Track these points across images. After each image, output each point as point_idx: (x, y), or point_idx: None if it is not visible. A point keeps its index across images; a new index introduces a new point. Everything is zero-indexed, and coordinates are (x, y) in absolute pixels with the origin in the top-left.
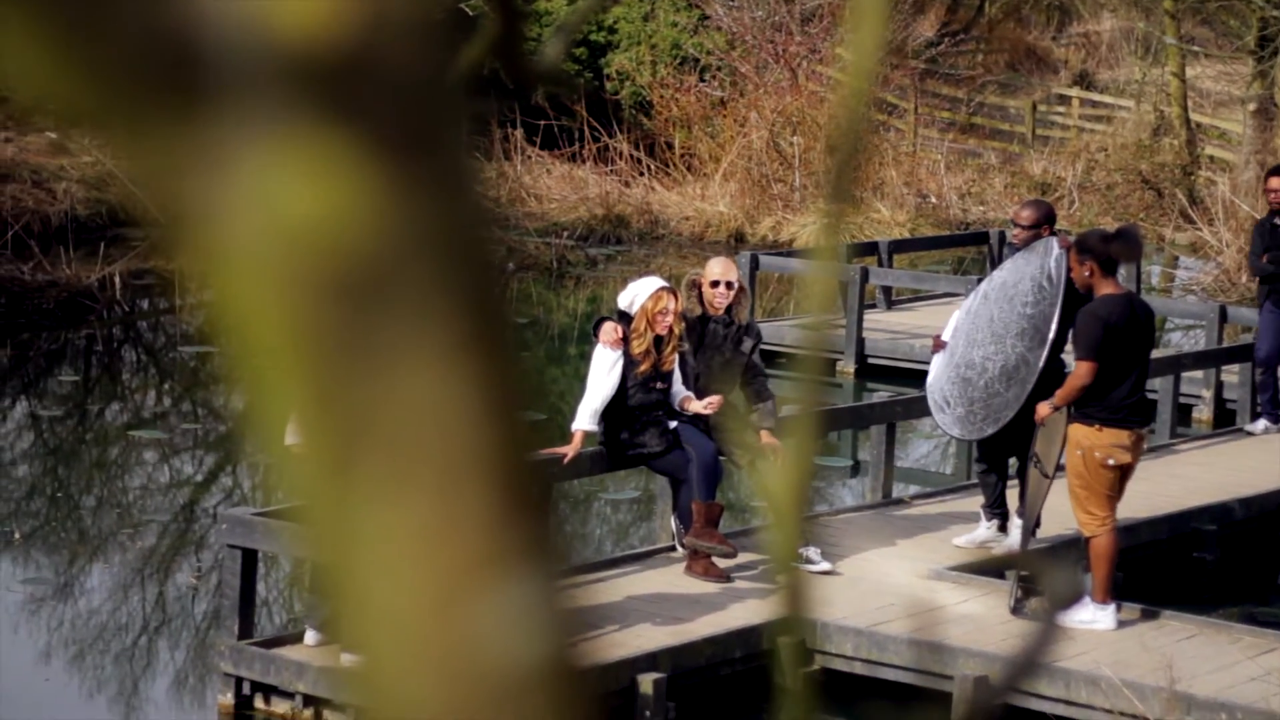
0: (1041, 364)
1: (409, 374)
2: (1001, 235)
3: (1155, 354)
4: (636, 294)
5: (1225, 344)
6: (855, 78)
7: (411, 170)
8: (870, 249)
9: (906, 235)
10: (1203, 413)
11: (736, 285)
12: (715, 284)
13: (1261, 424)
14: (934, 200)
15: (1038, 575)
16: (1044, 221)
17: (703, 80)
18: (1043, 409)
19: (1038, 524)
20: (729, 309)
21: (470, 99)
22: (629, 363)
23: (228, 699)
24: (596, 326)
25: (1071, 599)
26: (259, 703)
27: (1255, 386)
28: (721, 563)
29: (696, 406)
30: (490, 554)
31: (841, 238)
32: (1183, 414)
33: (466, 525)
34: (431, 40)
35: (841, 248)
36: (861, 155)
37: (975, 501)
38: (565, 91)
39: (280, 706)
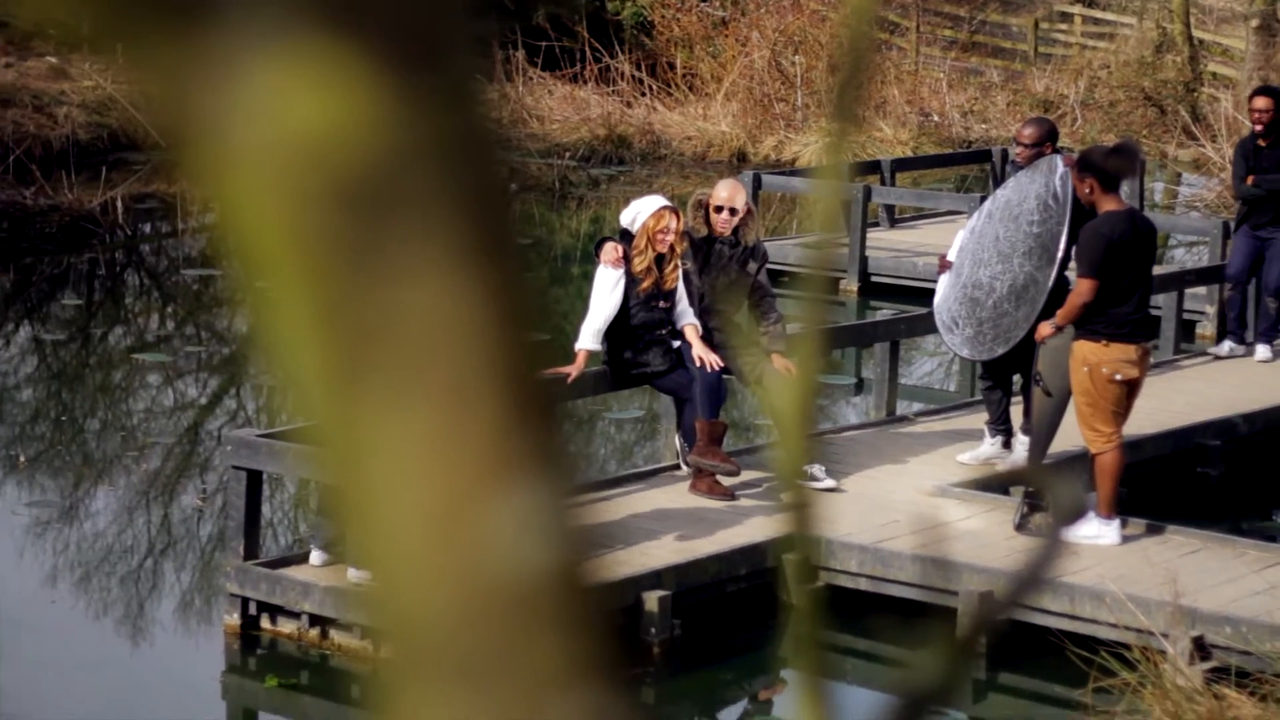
0: (1050, 282)
1: (415, 284)
2: (1004, 153)
3: (1158, 270)
4: (639, 212)
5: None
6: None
7: (417, 82)
8: (873, 167)
9: (909, 154)
10: (1206, 328)
11: (742, 209)
12: (720, 209)
13: (1226, 345)
14: (936, 119)
15: (1041, 490)
16: (1046, 139)
17: (704, 0)
18: (1044, 328)
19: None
20: (735, 230)
21: (473, 16)
22: (631, 281)
23: (234, 619)
24: (598, 246)
25: (1075, 514)
26: (265, 623)
27: (1222, 305)
28: (726, 480)
29: (698, 351)
30: (498, 464)
31: (845, 157)
32: (1186, 330)
33: (474, 435)
34: None
35: (845, 167)
36: (865, 74)
37: (979, 418)
38: (566, 11)
39: (286, 626)
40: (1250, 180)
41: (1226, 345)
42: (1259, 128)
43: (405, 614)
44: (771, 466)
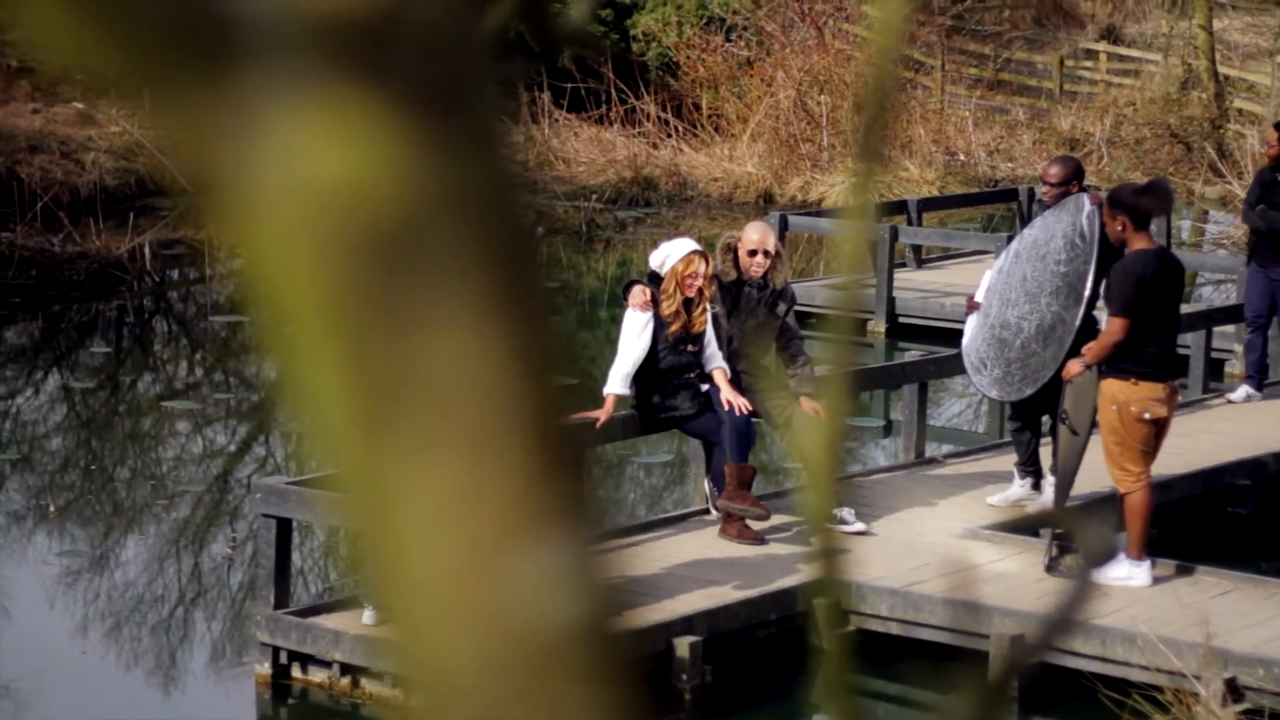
0: (1078, 322)
1: (441, 335)
2: (1030, 192)
3: (1186, 309)
4: (668, 255)
5: None
6: (883, 35)
7: (441, 130)
8: (899, 207)
9: (935, 193)
10: (1235, 367)
11: (774, 252)
12: (753, 253)
13: (1243, 391)
14: (962, 158)
15: (1071, 532)
16: (1073, 178)
17: (729, 40)
18: (1073, 366)
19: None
20: (764, 272)
21: (497, 60)
22: (659, 325)
23: (265, 669)
24: (626, 290)
25: (1105, 556)
26: (296, 672)
27: (1246, 348)
28: (755, 525)
29: (726, 395)
30: (524, 516)
31: (871, 197)
32: (1215, 369)
33: (500, 487)
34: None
35: (871, 207)
36: (890, 114)
37: (1009, 460)
38: (591, 53)
39: (318, 675)
40: (1258, 210)
41: (1243, 391)
42: (1273, 160)
43: (431, 665)
44: (801, 511)
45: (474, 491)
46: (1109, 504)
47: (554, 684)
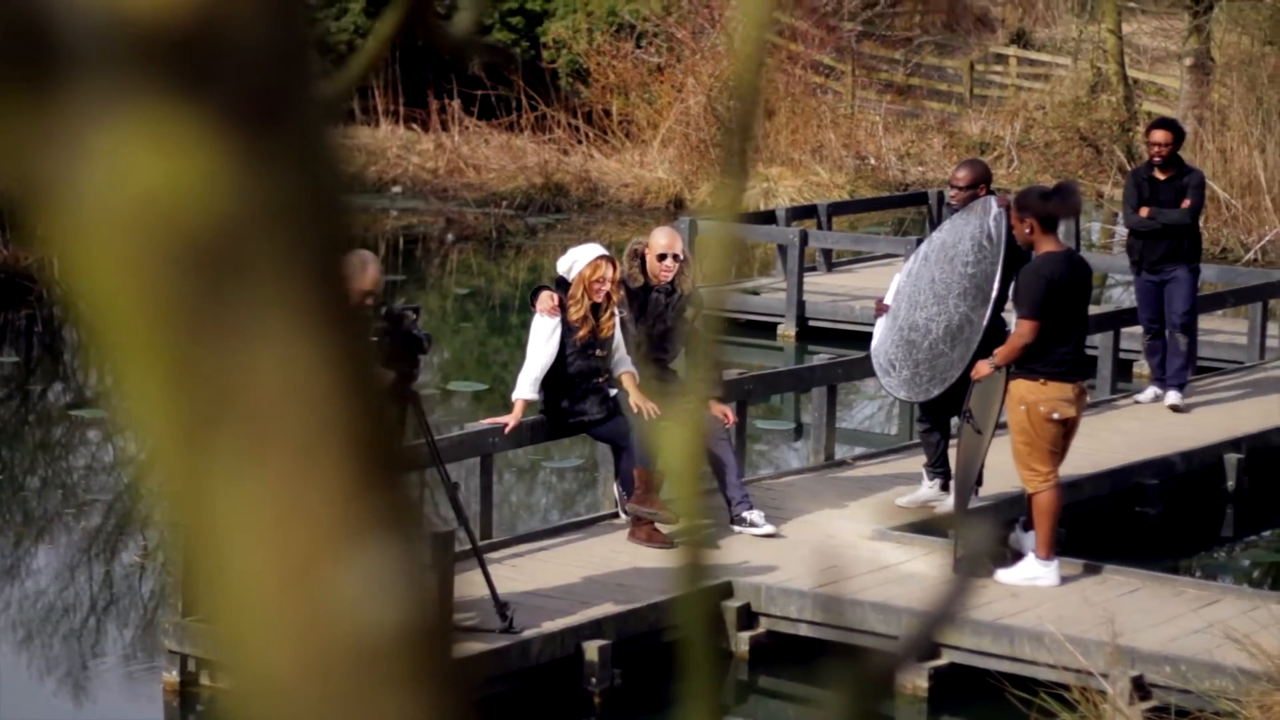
0: (985, 322)
1: (262, 346)
2: (940, 195)
3: (1095, 310)
4: (575, 260)
5: None
6: (748, 41)
7: (261, 141)
8: (809, 212)
9: (846, 197)
10: (1143, 368)
11: (682, 257)
12: (662, 257)
13: (1150, 392)
14: (873, 162)
15: (962, 534)
16: (980, 181)
17: (639, 47)
18: (982, 367)
19: (979, 482)
20: (672, 278)
21: (324, 74)
22: (567, 330)
23: (173, 676)
24: (533, 295)
25: (988, 555)
26: (205, 679)
27: (1147, 352)
28: (664, 528)
29: (634, 399)
30: (346, 524)
31: (737, 202)
32: (1123, 370)
33: (322, 496)
34: (283, 9)
35: (736, 212)
36: (758, 121)
37: (918, 461)
38: (501, 60)
39: (226, 682)
40: (1145, 212)
41: (1151, 392)
42: (1158, 160)
43: (256, 672)
44: (671, 512)
45: (296, 500)
46: (1017, 504)
47: (377, 690)
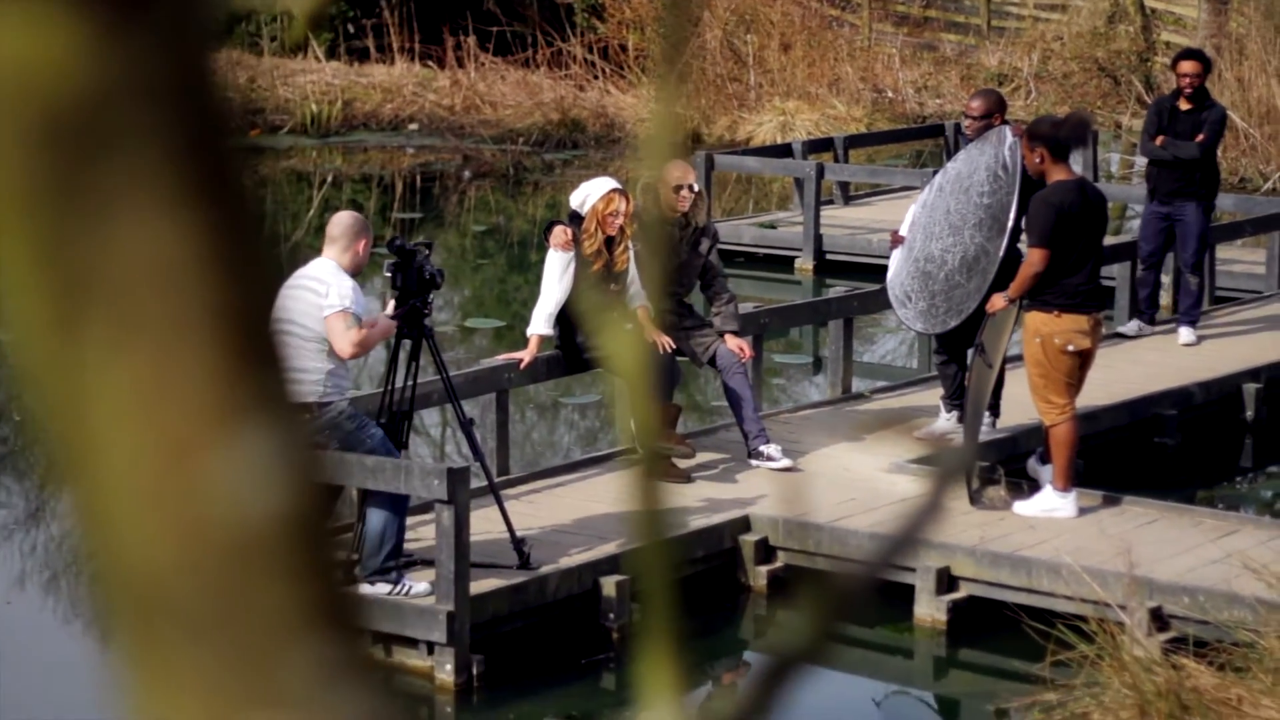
0: (1001, 253)
1: (130, 226)
2: (957, 127)
3: (1112, 240)
4: (588, 195)
5: None
6: None
7: (130, 13)
8: (826, 145)
9: (863, 130)
10: (1162, 298)
11: (696, 189)
12: (678, 188)
13: (1134, 324)
14: (890, 94)
15: (952, 465)
16: (994, 111)
17: None
18: (997, 300)
19: (997, 414)
20: (685, 211)
21: None
22: (581, 264)
23: None
24: (547, 230)
25: (960, 477)
26: None
27: (1134, 283)
28: (681, 463)
29: (649, 333)
30: (220, 407)
31: (675, 128)
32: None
33: (195, 379)
34: None
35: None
36: (688, 41)
37: (936, 394)
38: None
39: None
40: (1160, 141)
41: (1134, 324)
42: (1188, 91)
43: (128, 562)
44: (630, 435)
45: (168, 385)
46: (1034, 436)
47: (254, 582)
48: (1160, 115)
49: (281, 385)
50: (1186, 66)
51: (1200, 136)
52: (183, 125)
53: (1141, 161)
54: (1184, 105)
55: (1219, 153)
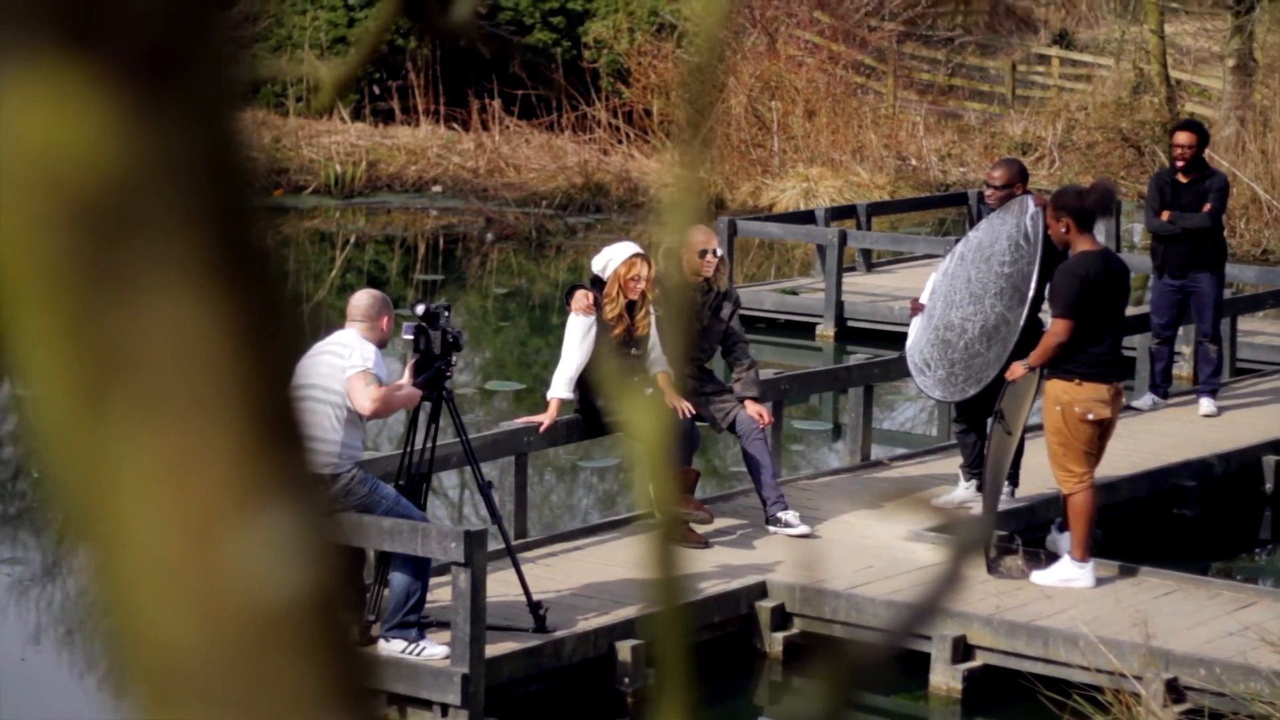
0: (1022, 322)
1: (157, 304)
2: (980, 195)
3: (1133, 311)
4: (610, 259)
5: None
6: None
7: (154, 97)
8: (849, 212)
9: (886, 198)
10: (1182, 369)
11: (720, 254)
12: (703, 253)
13: (1149, 399)
14: (914, 162)
15: (971, 535)
16: (1016, 180)
17: (680, 47)
18: (1017, 368)
19: (1016, 483)
20: (708, 277)
21: (226, 32)
22: (603, 328)
23: None
24: (569, 294)
25: (979, 549)
26: None
27: (1151, 357)
28: (699, 528)
29: (669, 398)
30: (243, 487)
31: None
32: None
33: (219, 458)
34: None
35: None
36: (711, 107)
37: (955, 462)
38: (542, 60)
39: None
40: (1166, 216)
41: (1149, 399)
42: (1181, 163)
43: (153, 641)
44: (648, 501)
45: (192, 463)
46: (1053, 505)
47: (275, 658)
48: (1162, 190)
49: (303, 461)
50: (1181, 138)
51: (1207, 206)
52: (209, 205)
53: None
54: (1183, 178)
55: (1222, 224)
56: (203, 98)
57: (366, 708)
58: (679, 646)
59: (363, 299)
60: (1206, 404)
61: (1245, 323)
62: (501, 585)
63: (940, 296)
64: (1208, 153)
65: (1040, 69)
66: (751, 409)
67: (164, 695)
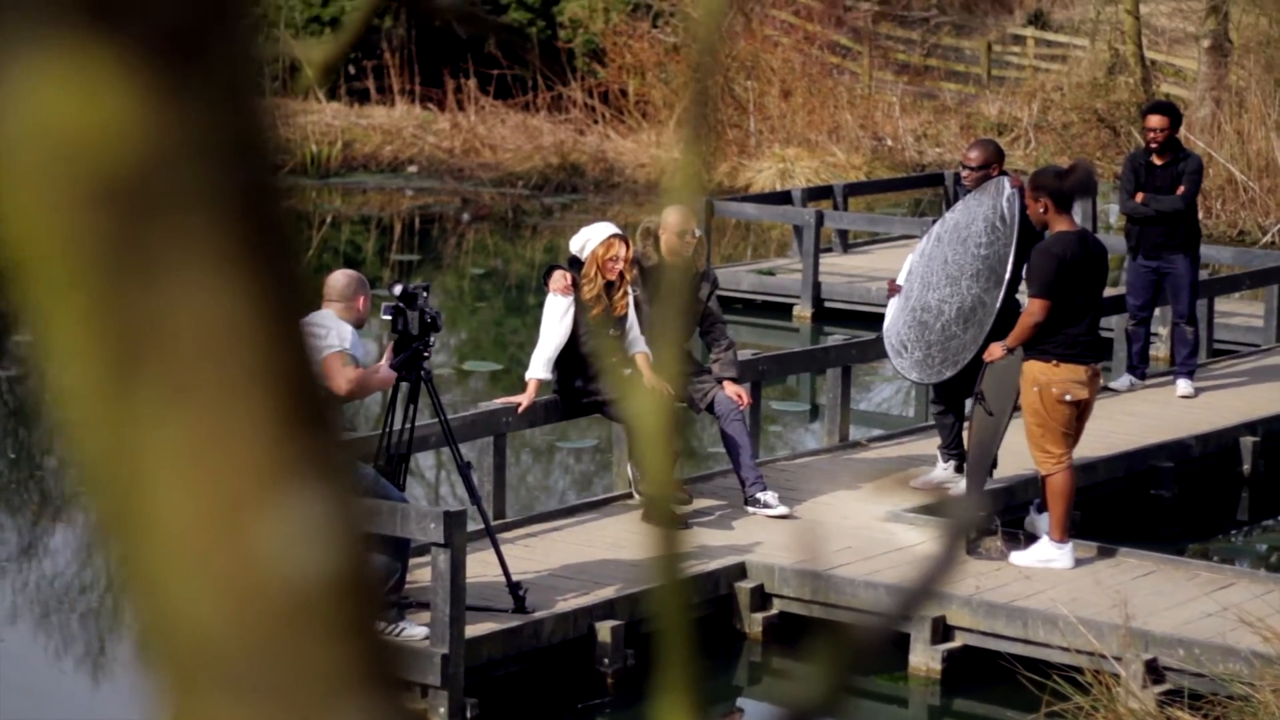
0: (998, 304)
1: (184, 284)
2: (956, 176)
3: (1111, 292)
4: (588, 239)
5: None
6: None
7: (179, 78)
8: (825, 192)
9: (862, 178)
10: (1159, 350)
11: (697, 234)
12: (682, 233)
13: (1126, 379)
14: (890, 143)
15: (962, 515)
16: (992, 161)
17: (655, 27)
18: (995, 349)
19: (994, 464)
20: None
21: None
22: (580, 309)
23: None
24: (546, 274)
25: (970, 533)
26: None
27: (1128, 338)
28: (680, 509)
29: (648, 379)
30: (272, 467)
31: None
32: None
33: (247, 438)
34: None
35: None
36: (714, 95)
37: (933, 443)
38: (518, 39)
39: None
40: (1140, 198)
41: (1126, 380)
42: (1154, 146)
43: (180, 625)
44: (643, 482)
45: (220, 443)
46: (1031, 486)
47: (304, 640)
48: (1136, 172)
49: (332, 441)
50: (1154, 120)
51: (1181, 189)
52: (234, 184)
53: None
54: (1157, 160)
55: (1197, 205)
56: (225, 77)
57: (395, 692)
58: (682, 622)
59: (339, 279)
60: (1183, 385)
61: (1222, 304)
62: (481, 566)
63: (917, 278)
64: (1183, 134)
65: (1015, 49)
66: (730, 390)
67: (190, 679)
